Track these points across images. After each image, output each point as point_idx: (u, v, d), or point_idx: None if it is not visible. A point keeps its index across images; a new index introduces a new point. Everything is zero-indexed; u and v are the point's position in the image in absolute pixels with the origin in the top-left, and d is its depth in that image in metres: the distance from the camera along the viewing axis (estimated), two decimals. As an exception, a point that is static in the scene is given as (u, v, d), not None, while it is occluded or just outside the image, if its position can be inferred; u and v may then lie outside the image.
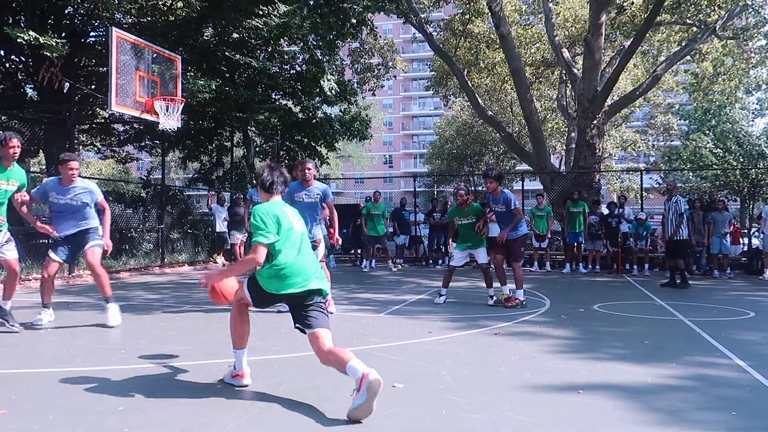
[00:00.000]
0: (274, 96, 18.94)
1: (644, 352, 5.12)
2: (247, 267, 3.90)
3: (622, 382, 4.12)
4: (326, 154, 20.99)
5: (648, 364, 4.65)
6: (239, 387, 3.93)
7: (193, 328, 6.33)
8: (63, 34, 12.91)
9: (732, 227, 14.00)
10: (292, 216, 3.92)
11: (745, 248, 15.41)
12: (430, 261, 16.27)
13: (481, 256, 8.43)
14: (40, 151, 15.38)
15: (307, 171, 7.21)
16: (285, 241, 3.76)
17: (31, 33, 10.75)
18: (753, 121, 33.26)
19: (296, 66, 18.79)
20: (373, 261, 15.32)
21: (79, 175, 6.38)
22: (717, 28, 17.95)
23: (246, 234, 16.47)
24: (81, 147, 17.89)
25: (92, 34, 15.04)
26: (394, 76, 27.66)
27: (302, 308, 3.72)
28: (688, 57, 20.20)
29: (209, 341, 5.56)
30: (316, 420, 3.32)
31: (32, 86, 14.74)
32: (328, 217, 7.77)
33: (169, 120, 11.65)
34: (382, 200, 15.19)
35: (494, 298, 8.23)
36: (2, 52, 13.80)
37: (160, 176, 16.41)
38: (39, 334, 5.88)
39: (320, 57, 16.87)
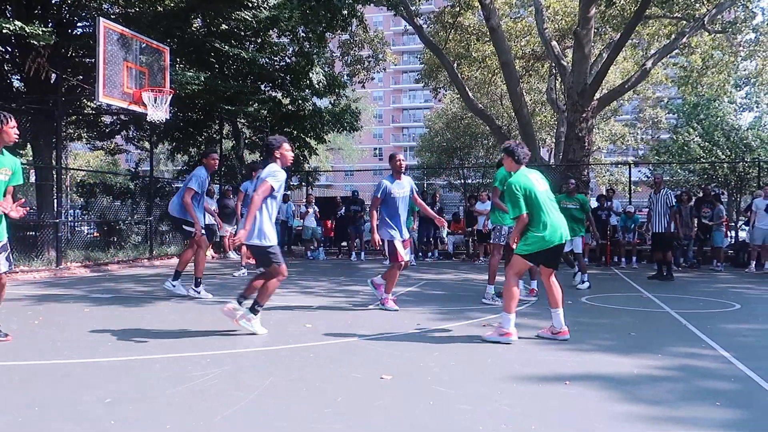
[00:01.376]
0: (263, 88, 18.85)
1: (631, 344, 5.16)
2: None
3: (608, 373, 4.16)
4: (316, 145, 20.95)
5: (634, 356, 4.69)
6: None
7: (182, 320, 6.31)
8: (50, 24, 12.76)
9: (722, 220, 14.16)
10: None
11: (732, 241, 15.56)
12: (419, 254, 16.30)
13: (578, 244, 9.63)
14: (27, 143, 15.24)
15: (402, 162, 6.97)
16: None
17: (16, 23, 10.62)
18: (740, 114, 33.47)
19: (286, 58, 18.71)
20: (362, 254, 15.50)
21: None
22: (706, 22, 18.02)
23: (236, 226, 16.43)
24: (68, 139, 17.75)
25: (79, 24, 14.86)
26: (384, 69, 27.61)
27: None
28: (677, 50, 20.29)
29: (198, 333, 5.55)
30: (306, 411, 3.33)
31: (18, 77, 14.56)
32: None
33: (158, 111, 11.57)
34: None
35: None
36: (-13, 43, 13.64)
37: (149, 168, 16.32)
38: (26, 326, 5.85)
39: (310, 49, 16.80)
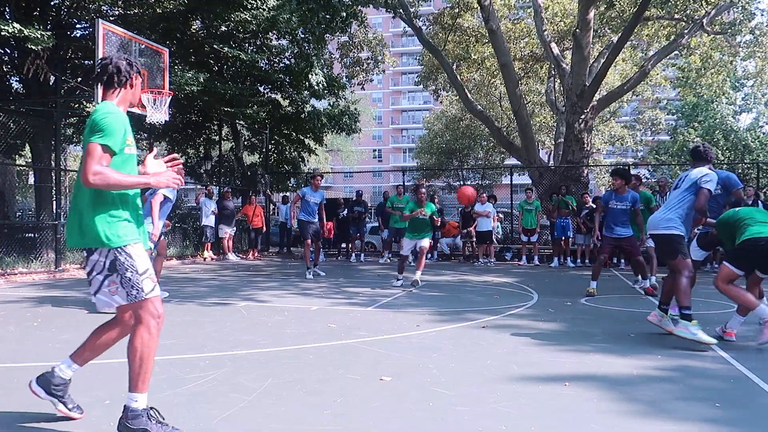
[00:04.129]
0: (262, 89, 18.87)
1: (630, 345, 5.16)
2: None
3: (607, 374, 4.16)
4: (314, 147, 20.98)
5: (633, 357, 4.69)
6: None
7: (181, 322, 6.31)
8: (49, 26, 12.77)
9: None
10: None
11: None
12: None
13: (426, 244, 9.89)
14: (27, 145, 15.24)
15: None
16: None
17: (15, 25, 10.62)
18: (738, 117, 33.52)
19: (285, 59, 18.73)
20: (384, 254, 15.52)
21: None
22: (704, 23, 18.06)
23: (234, 229, 16.44)
24: (68, 141, 17.73)
25: (78, 26, 14.88)
26: (383, 71, 27.65)
27: None
28: (677, 51, 20.32)
29: (197, 335, 5.55)
30: (304, 413, 3.33)
31: (18, 79, 14.58)
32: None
33: (157, 113, 11.56)
34: (405, 193, 14.75)
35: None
36: (-14, 45, 13.65)
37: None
38: (25, 328, 5.84)
39: (309, 51, 16.82)
